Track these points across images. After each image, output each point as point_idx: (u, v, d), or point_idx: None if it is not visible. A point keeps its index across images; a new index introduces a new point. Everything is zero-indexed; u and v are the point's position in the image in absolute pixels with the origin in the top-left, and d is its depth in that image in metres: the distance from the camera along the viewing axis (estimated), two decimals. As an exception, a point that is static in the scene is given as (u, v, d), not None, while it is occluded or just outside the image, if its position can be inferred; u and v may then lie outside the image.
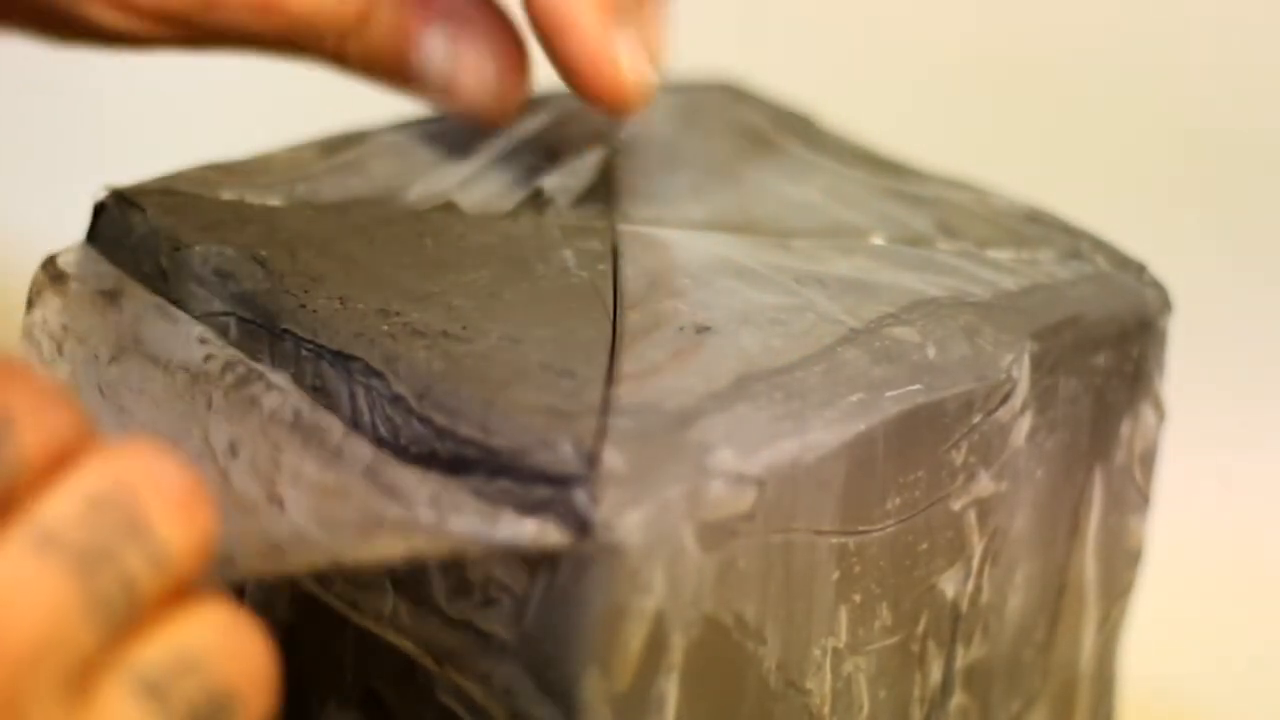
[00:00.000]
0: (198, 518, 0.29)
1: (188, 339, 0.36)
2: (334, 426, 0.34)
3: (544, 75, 0.47)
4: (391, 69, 0.42)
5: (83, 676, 0.28)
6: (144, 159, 0.40)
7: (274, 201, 0.39)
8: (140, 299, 0.37)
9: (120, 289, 0.37)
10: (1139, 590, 0.42)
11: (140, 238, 0.37)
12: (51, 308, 0.36)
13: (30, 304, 0.36)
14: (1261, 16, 0.77)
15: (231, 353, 0.35)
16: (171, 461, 0.29)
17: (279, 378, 0.35)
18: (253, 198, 0.39)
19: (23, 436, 0.28)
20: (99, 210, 0.38)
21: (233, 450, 0.35)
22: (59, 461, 0.29)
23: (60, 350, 0.36)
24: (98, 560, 0.28)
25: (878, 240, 0.40)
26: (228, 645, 0.29)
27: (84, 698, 0.28)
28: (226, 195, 0.39)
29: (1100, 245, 0.41)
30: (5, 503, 0.28)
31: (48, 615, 0.27)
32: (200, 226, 0.37)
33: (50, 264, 0.37)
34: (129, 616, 0.28)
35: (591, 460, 0.32)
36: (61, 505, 0.28)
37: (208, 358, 0.36)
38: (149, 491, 0.29)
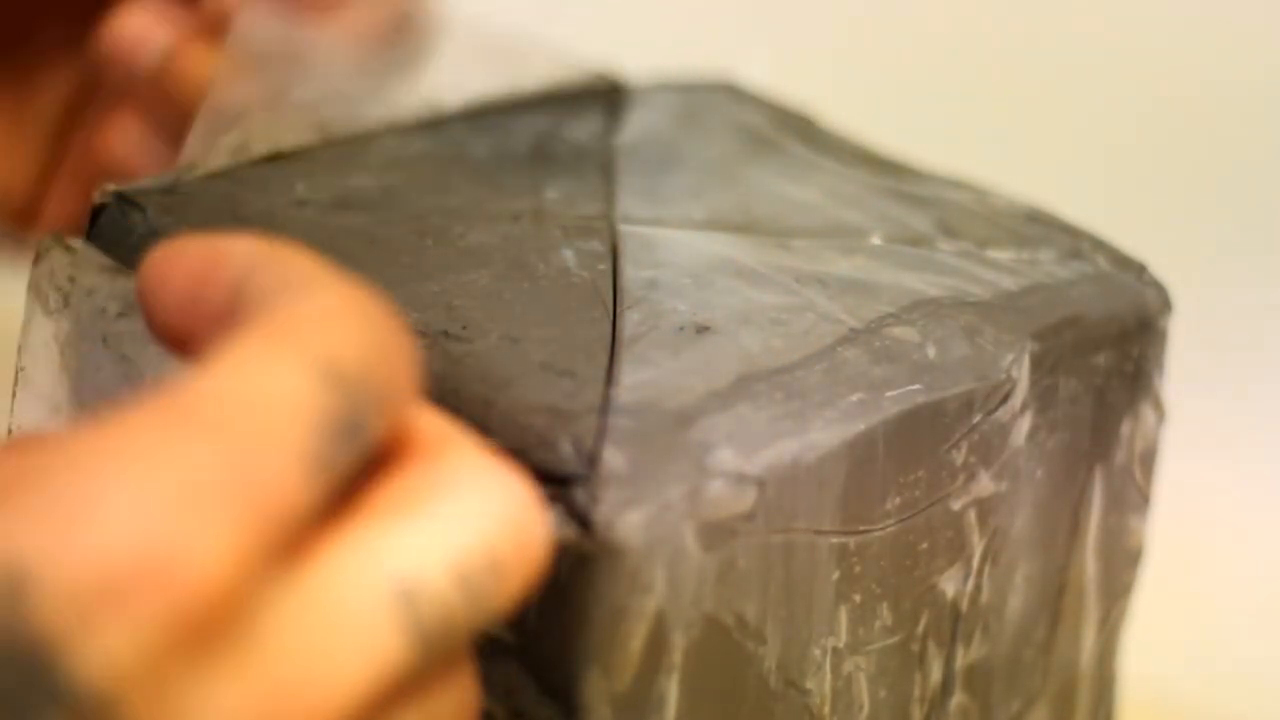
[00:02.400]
0: (526, 580, 0.28)
1: None
2: None
3: (542, 75, 0.47)
4: None
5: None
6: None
7: (274, 201, 0.39)
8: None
9: (125, 309, 0.37)
10: (1139, 590, 0.42)
11: (140, 238, 0.37)
12: (59, 262, 0.36)
13: (37, 259, 0.36)
14: (1262, 16, 0.77)
15: None
16: (538, 514, 0.28)
17: None
18: (253, 198, 0.39)
19: (379, 418, 0.27)
20: (99, 210, 0.38)
21: None
22: (393, 453, 0.28)
23: (66, 302, 0.36)
24: (442, 627, 0.27)
25: (878, 240, 0.40)
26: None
27: None
28: (226, 195, 0.39)
29: (1100, 245, 0.41)
30: (343, 494, 0.27)
31: (373, 661, 0.27)
32: (200, 226, 0.37)
33: (57, 236, 0.37)
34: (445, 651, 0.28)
35: (591, 460, 0.32)
36: (428, 562, 0.27)
37: None
38: (514, 561, 0.28)
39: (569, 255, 0.38)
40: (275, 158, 0.41)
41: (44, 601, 0.25)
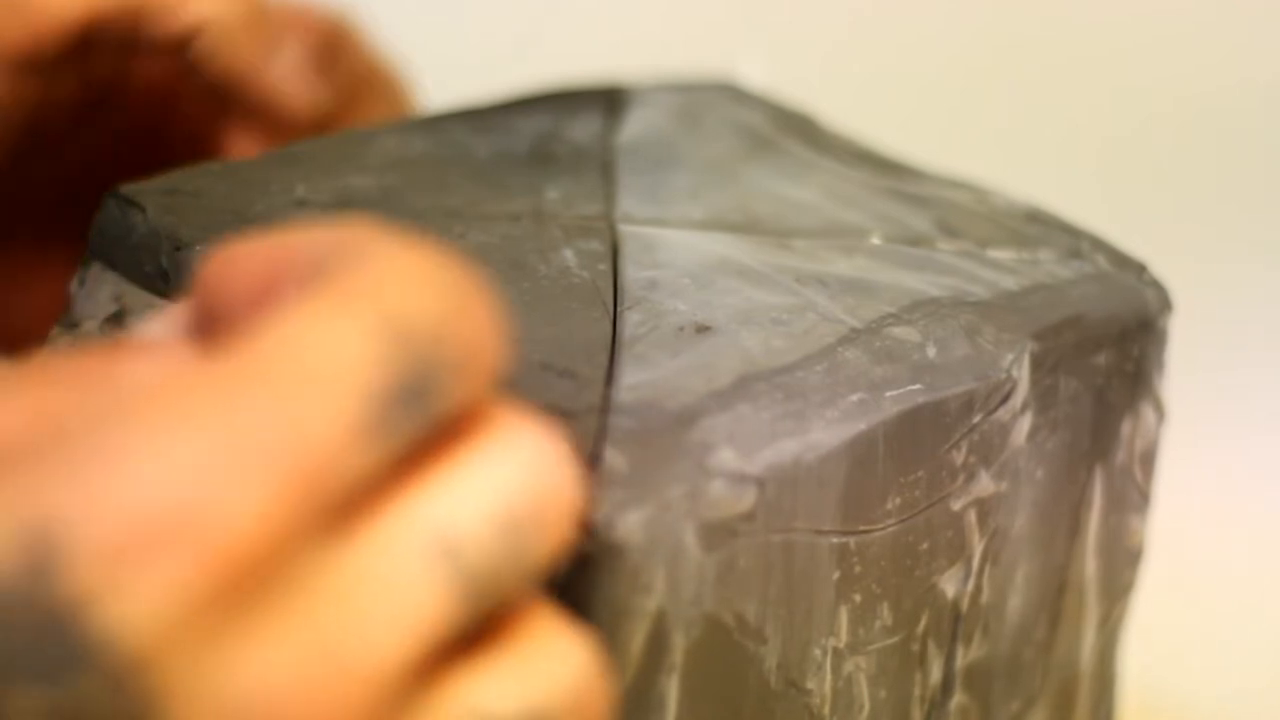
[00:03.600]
0: (562, 533, 0.28)
1: None
2: None
3: (541, 74, 0.47)
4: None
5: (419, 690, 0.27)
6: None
7: (274, 201, 0.39)
8: (144, 306, 0.37)
9: (124, 307, 0.37)
10: (1139, 590, 0.42)
11: (141, 238, 0.37)
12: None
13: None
14: (1262, 16, 0.77)
15: None
16: (571, 474, 0.28)
17: None
18: (253, 198, 0.39)
19: (447, 387, 0.27)
20: (101, 210, 0.38)
21: None
22: (471, 420, 0.27)
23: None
24: (487, 583, 0.27)
25: (878, 240, 0.40)
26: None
27: None
28: (226, 195, 0.39)
29: (1100, 245, 0.41)
30: (408, 462, 0.27)
31: (416, 620, 0.26)
32: (200, 226, 0.37)
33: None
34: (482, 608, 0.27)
35: (592, 460, 0.32)
36: (469, 518, 0.27)
37: None
38: (552, 513, 0.28)
39: (569, 255, 0.38)
40: (275, 158, 0.41)
41: (71, 560, 0.24)
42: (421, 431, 0.27)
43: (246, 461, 0.25)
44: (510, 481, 0.27)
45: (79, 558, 0.24)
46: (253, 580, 0.25)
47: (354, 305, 0.26)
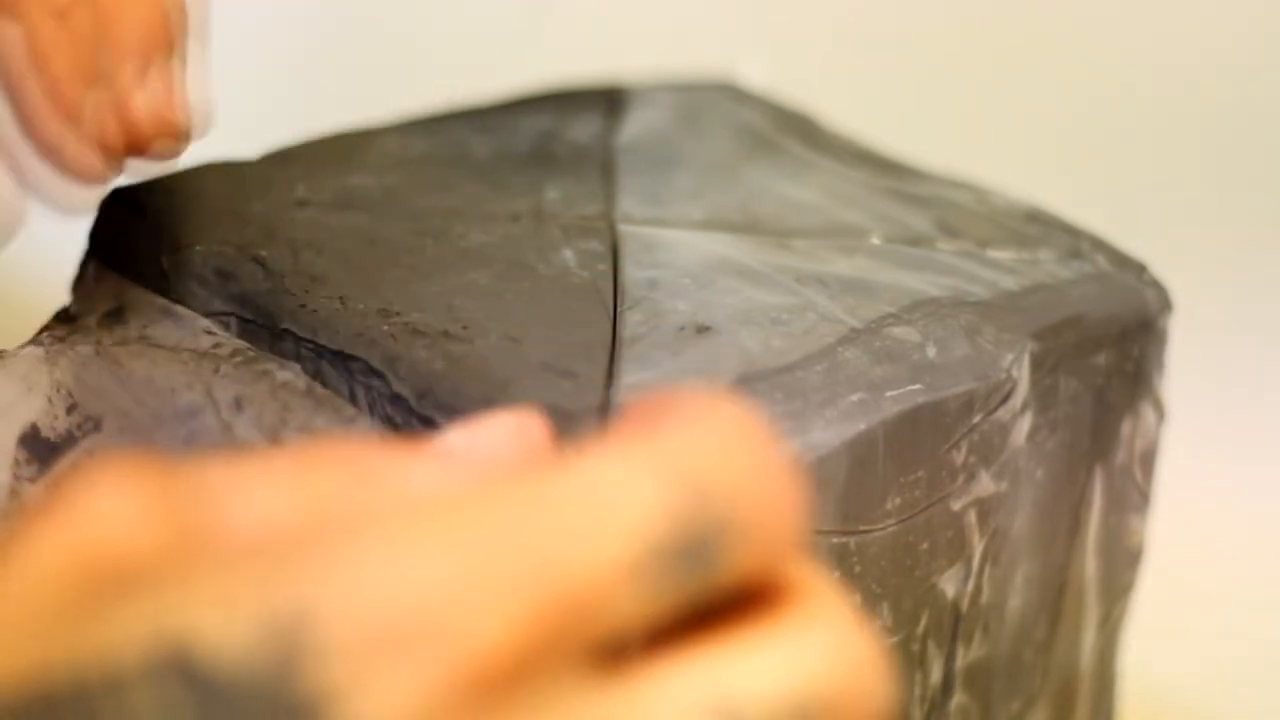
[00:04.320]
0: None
1: (194, 331, 0.36)
2: (346, 406, 0.34)
3: (541, 74, 0.47)
4: None
5: None
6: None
7: (274, 201, 0.39)
8: (145, 304, 0.37)
9: (123, 304, 0.37)
10: (1139, 590, 0.42)
11: (141, 238, 0.37)
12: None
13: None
14: (1263, 15, 0.77)
15: (239, 343, 0.36)
16: (880, 667, 0.27)
17: (288, 370, 0.35)
18: (253, 198, 0.39)
19: (734, 551, 0.26)
20: (101, 210, 0.38)
21: (238, 405, 0.35)
22: (755, 593, 0.27)
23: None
24: None
25: (877, 240, 0.40)
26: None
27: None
28: (226, 195, 0.39)
29: (1100, 245, 0.41)
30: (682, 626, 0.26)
31: None
32: (200, 226, 0.37)
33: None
34: None
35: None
36: (756, 692, 0.26)
37: (216, 345, 0.36)
38: (851, 710, 0.26)
39: (569, 255, 0.38)
40: (275, 158, 0.41)
41: (321, 654, 0.24)
42: (705, 592, 0.26)
43: (509, 578, 0.25)
44: (806, 663, 0.27)
45: (329, 652, 0.24)
46: (498, 695, 0.25)
47: (656, 455, 0.26)
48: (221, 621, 0.24)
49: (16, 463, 0.35)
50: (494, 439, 0.30)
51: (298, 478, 0.27)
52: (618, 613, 0.25)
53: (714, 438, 0.26)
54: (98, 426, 0.36)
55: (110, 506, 0.26)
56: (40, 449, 0.36)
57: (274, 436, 0.34)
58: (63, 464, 0.36)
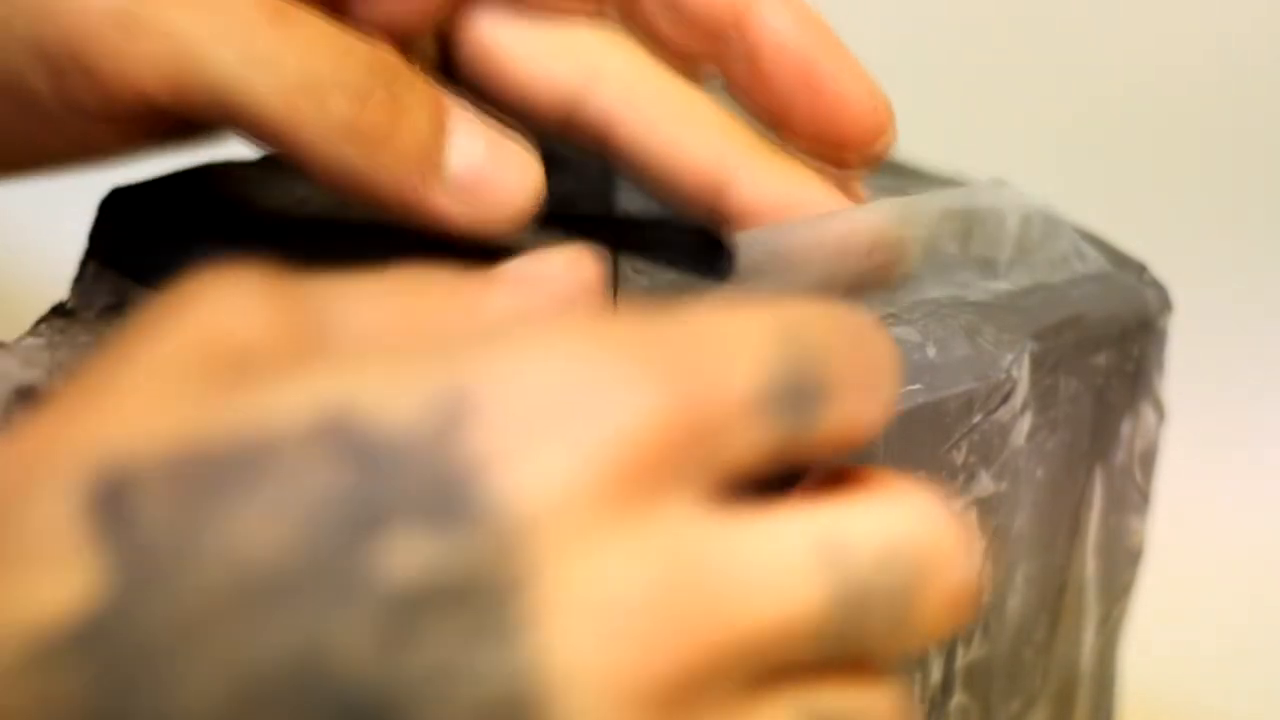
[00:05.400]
0: (943, 606, 0.28)
1: None
2: None
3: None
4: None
5: (762, 684, 0.26)
6: (144, 159, 0.40)
7: (275, 202, 0.39)
8: (146, 301, 0.37)
9: (123, 300, 0.37)
10: (1139, 590, 0.42)
11: (141, 238, 0.37)
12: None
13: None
14: (1263, 15, 0.77)
15: None
16: (973, 555, 0.28)
17: None
18: (253, 198, 0.39)
19: (833, 410, 0.28)
20: (101, 210, 0.38)
21: None
22: (843, 471, 0.28)
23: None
24: (856, 612, 0.27)
25: (878, 240, 0.40)
26: None
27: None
28: (227, 195, 0.39)
29: (1100, 245, 0.41)
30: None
31: (790, 606, 0.26)
32: (200, 226, 0.37)
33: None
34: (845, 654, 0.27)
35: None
36: (858, 536, 0.27)
37: None
38: (938, 578, 0.27)
39: (569, 255, 0.38)
40: (275, 157, 0.41)
41: (480, 422, 0.25)
42: (805, 445, 0.27)
43: (654, 377, 0.26)
44: (904, 524, 0.28)
45: (487, 423, 0.25)
46: (633, 490, 0.25)
47: (770, 311, 0.27)
48: (384, 392, 0.25)
49: (9, 409, 0.35)
50: (556, 270, 0.31)
51: (396, 295, 0.28)
52: (734, 445, 0.26)
53: (823, 310, 0.28)
54: None
55: (230, 302, 0.27)
56: (36, 401, 0.35)
57: None
58: None
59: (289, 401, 0.25)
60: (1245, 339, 0.69)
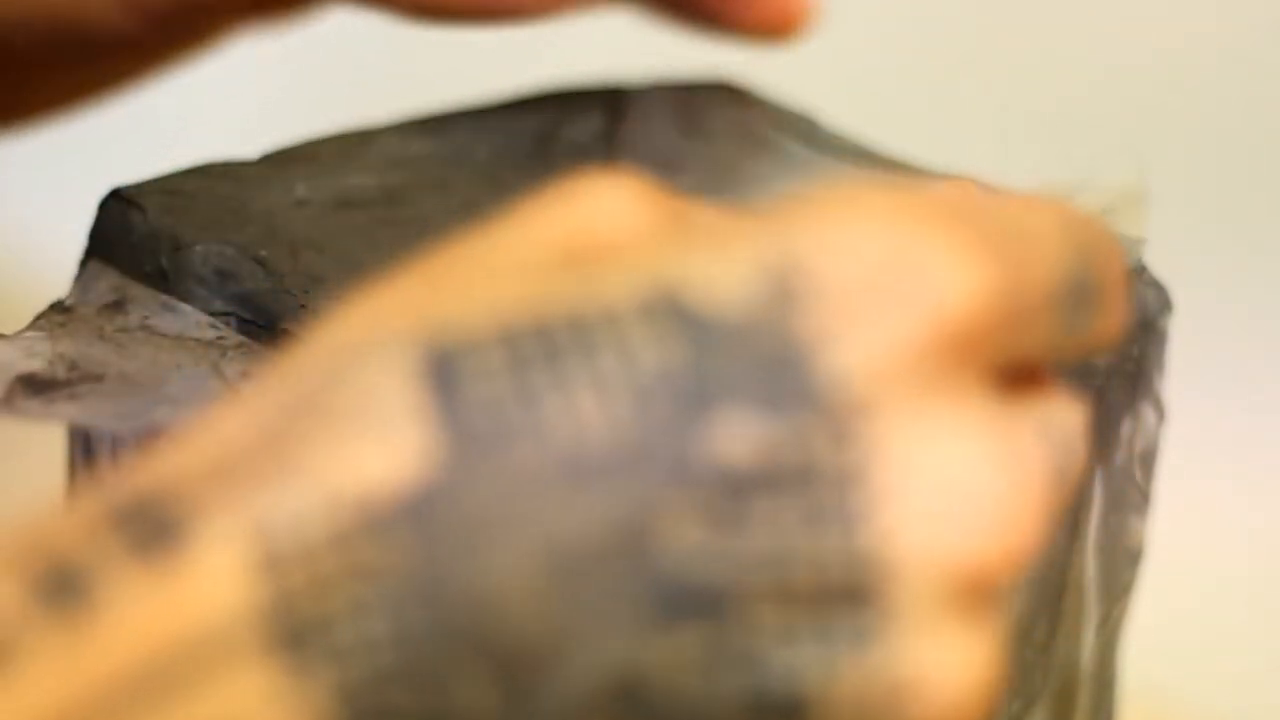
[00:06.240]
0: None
1: (198, 323, 0.36)
2: None
3: (541, 74, 0.47)
4: None
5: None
6: (144, 159, 0.40)
7: (274, 201, 0.39)
8: (146, 298, 0.37)
9: (124, 297, 0.37)
10: (1139, 590, 0.42)
11: (141, 238, 0.37)
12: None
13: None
14: (1264, 15, 0.77)
15: (243, 337, 0.36)
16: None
17: None
18: (253, 198, 0.39)
19: (1101, 314, 0.28)
20: (101, 210, 0.38)
21: (247, 378, 0.35)
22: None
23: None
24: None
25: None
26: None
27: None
28: (226, 195, 0.39)
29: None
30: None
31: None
32: (200, 226, 0.37)
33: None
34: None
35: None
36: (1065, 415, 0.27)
37: (220, 337, 0.36)
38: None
39: (569, 255, 0.38)
40: (275, 157, 0.41)
41: (814, 300, 0.25)
42: (1076, 344, 0.28)
43: (979, 253, 0.25)
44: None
45: (822, 299, 0.25)
46: (953, 365, 0.25)
47: (1049, 206, 0.27)
48: (717, 267, 0.25)
49: (12, 394, 0.35)
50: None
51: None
52: (1032, 334, 0.27)
53: (1089, 214, 0.28)
54: (100, 380, 0.35)
55: (605, 204, 0.27)
56: (38, 385, 0.35)
57: None
58: (60, 396, 0.35)
59: (622, 279, 0.25)
60: (1245, 339, 0.69)
